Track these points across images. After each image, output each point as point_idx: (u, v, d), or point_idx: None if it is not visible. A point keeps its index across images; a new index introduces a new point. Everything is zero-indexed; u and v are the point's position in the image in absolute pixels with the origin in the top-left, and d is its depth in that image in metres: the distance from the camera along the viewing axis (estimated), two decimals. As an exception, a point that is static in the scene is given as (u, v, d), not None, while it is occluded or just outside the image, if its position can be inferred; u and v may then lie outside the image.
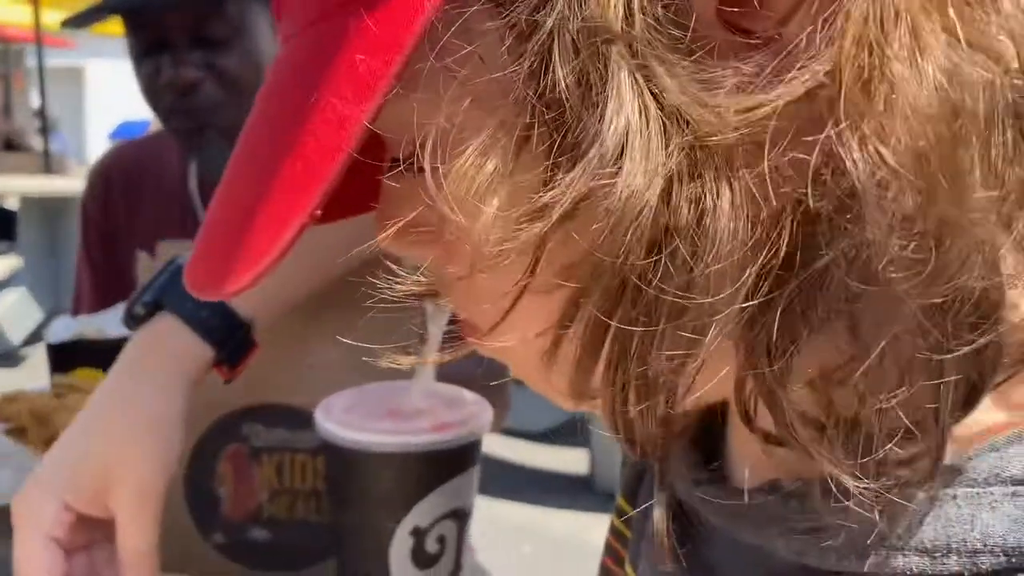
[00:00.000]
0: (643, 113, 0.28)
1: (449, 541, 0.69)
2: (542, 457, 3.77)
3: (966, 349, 0.30)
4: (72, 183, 5.31)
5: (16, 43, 10.20)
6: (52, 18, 6.49)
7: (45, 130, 5.87)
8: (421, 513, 0.67)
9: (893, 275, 0.28)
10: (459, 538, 0.70)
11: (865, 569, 0.33)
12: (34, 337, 4.81)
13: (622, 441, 0.36)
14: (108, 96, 12.67)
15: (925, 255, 0.28)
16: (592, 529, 3.21)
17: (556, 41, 0.29)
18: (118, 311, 1.16)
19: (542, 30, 0.29)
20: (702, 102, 0.28)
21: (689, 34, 0.29)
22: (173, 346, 0.70)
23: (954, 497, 0.32)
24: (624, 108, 0.28)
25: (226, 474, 0.82)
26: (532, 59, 0.29)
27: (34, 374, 3.71)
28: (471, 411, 0.70)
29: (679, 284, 0.30)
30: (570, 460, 3.72)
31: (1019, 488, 0.31)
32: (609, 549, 0.51)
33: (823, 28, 0.28)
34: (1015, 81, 0.27)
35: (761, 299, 0.30)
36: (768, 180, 0.29)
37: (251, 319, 0.73)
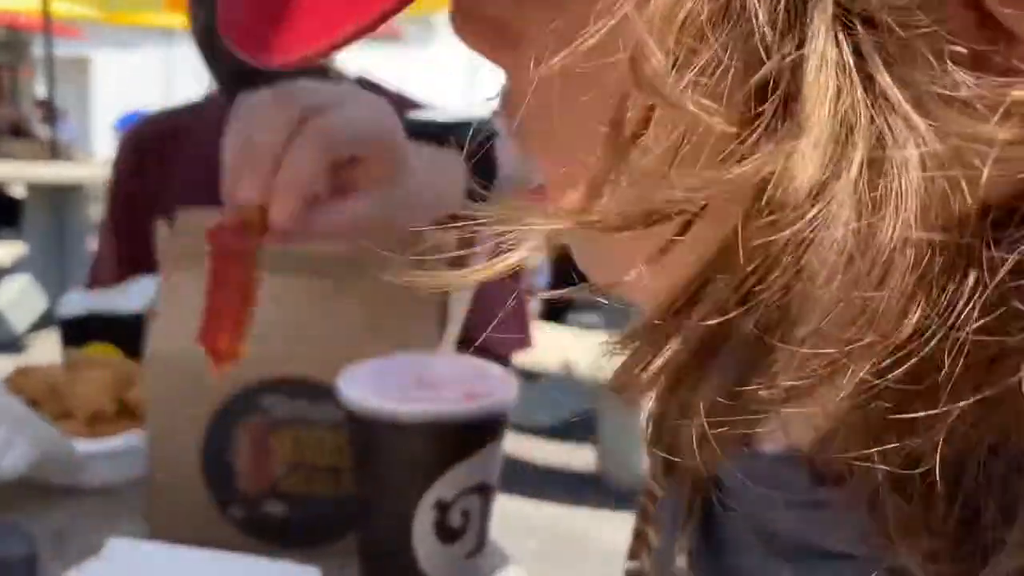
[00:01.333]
0: (841, 90, 0.22)
1: (473, 516, 0.68)
2: (550, 453, 3.76)
3: None
4: (78, 170, 5.30)
5: (24, 32, 10.19)
6: (60, 7, 6.48)
7: (52, 117, 5.86)
8: (446, 485, 0.65)
9: None
10: (483, 514, 0.69)
11: (876, 554, 0.28)
12: (39, 324, 4.80)
13: (658, 459, 0.32)
14: (114, 86, 12.67)
15: None
16: (599, 525, 3.21)
17: None
18: (132, 287, 1.15)
19: None
20: (921, 103, 0.21)
21: (929, 14, 0.21)
22: None
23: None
24: (822, 75, 0.22)
25: (243, 447, 0.80)
26: None
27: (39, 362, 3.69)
28: (497, 383, 0.68)
29: (817, 310, 0.23)
30: (578, 457, 3.72)
31: None
32: (641, 510, 0.49)
33: None
34: None
35: (905, 353, 0.23)
36: (956, 227, 0.22)
37: None
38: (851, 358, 0.23)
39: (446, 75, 14.91)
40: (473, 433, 0.66)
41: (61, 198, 5.12)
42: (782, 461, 0.32)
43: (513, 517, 3.13)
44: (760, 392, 0.25)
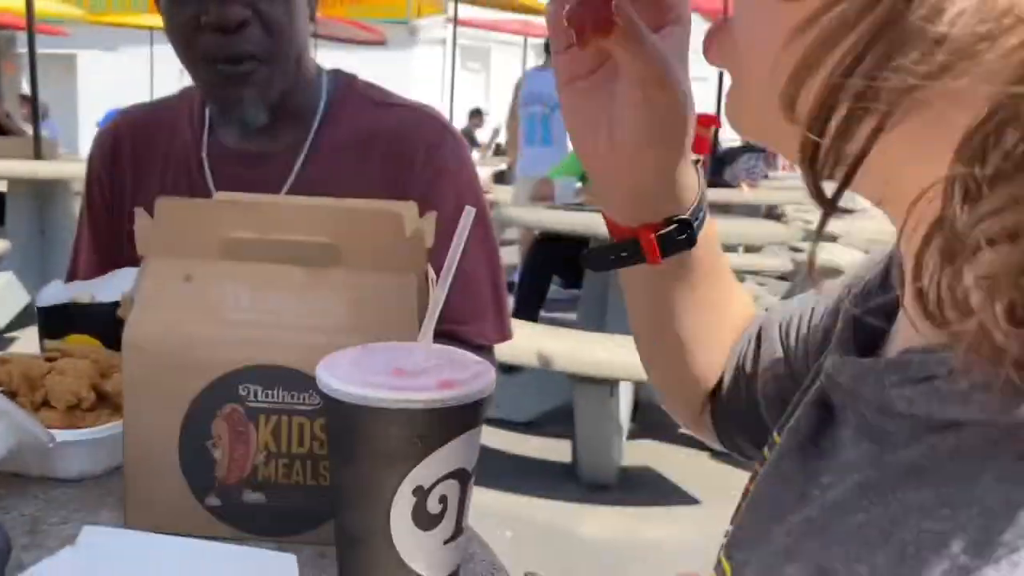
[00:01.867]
0: None
1: (451, 502, 0.67)
2: (526, 446, 3.79)
3: None
4: (61, 167, 5.28)
5: (8, 29, 10.14)
6: (46, 6, 6.45)
7: (35, 115, 5.83)
8: (424, 472, 0.65)
9: None
10: (461, 499, 0.69)
11: (988, 417, 0.33)
12: (21, 321, 4.78)
13: (805, 168, 0.35)
14: (100, 85, 12.61)
15: None
16: (574, 517, 3.24)
17: None
18: (112, 278, 1.14)
19: None
20: None
21: None
22: None
23: None
24: None
25: (221, 435, 0.80)
26: None
27: (20, 357, 3.67)
28: (475, 371, 0.68)
29: (942, 28, 0.29)
30: (554, 450, 3.74)
31: None
32: (753, 475, 0.53)
33: None
34: None
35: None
36: None
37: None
38: (992, 35, 0.29)
39: (426, 77, 14.90)
40: (451, 420, 0.65)
41: (44, 195, 5.10)
42: (902, 355, 0.38)
43: (489, 508, 3.15)
44: (899, 72, 0.30)
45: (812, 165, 0.34)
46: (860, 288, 0.51)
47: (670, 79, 0.59)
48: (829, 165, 0.34)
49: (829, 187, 0.35)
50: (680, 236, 0.66)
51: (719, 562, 0.50)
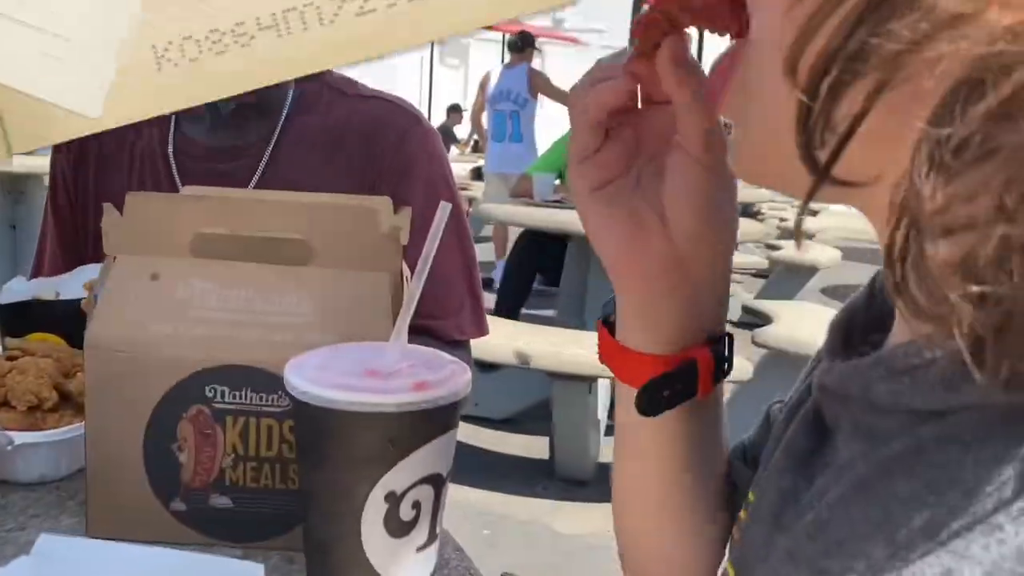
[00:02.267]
0: None
1: (424, 508, 0.65)
2: (504, 443, 3.79)
3: None
4: (34, 162, 5.21)
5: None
6: None
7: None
8: (396, 477, 0.63)
9: None
10: (435, 505, 0.66)
11: (967, 401, 0.34)
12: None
13: (798, 132, 0.35)
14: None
15: None
16: (551, 513, 3.24)
17: None
18: (77, 275, 1.11)
19: None
20: None
21: None
22: None
23: None
24: None
25: (187, 438, 0.77)
26: None
27: (-11, 354, 3.63)
28: (450, 372, 0.66)
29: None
30: (531, 447, 3.75)
31: None
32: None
33: None
34: None
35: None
36: None
37: None
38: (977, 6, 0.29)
39: (405, 73, 14.83)
40: (425, 423, 0.63)
41: (16, 189, 5.04)
42: (885, 350, 0.39)
43: (465, 505, 3.14)
44: (888, 38, 0.31)
45: (804, 129, 0.35)
46: (845, 310, 0.48)
47: (722, 135, 0.51)
48: (820, 129, 0.34)
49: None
50: (726, 356, 0.56)
51: (725, 571, 0.49)
